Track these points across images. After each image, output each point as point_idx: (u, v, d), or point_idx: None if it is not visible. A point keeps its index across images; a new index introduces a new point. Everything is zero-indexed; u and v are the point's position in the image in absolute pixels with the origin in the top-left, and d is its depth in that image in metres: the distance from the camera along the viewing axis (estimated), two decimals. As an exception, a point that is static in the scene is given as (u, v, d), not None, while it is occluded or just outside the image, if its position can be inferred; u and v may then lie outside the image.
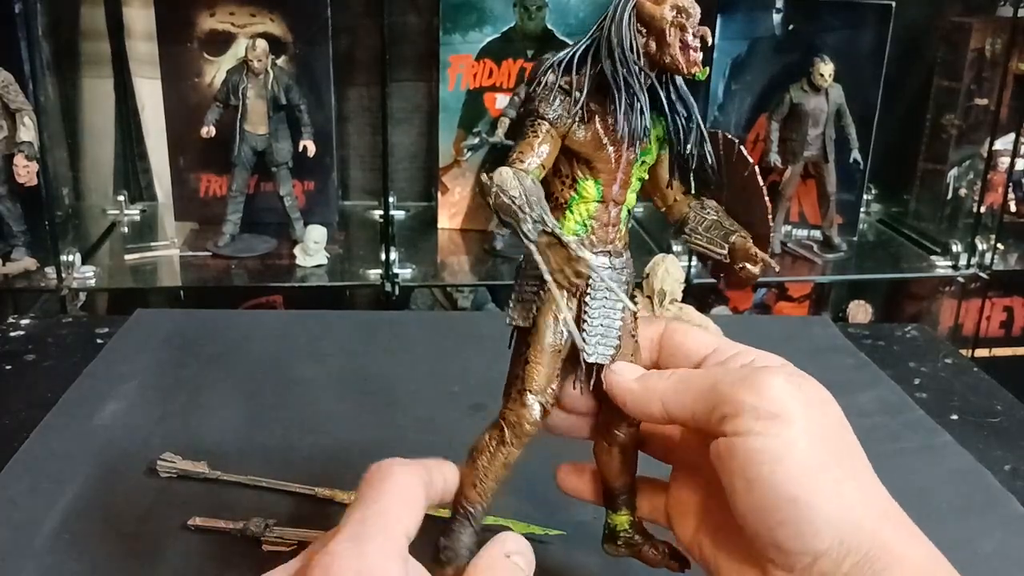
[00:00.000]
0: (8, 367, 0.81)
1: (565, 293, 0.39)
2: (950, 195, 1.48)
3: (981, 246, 1.38)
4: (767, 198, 0.43)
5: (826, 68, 1.28)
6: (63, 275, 1.17)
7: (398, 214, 1.41)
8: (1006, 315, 1.55)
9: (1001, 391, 0.82)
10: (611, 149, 0.40)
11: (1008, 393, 0.81)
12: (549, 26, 1.30)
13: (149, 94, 1.34)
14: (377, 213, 1.42)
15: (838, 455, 0.36)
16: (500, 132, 1.27)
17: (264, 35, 1.26)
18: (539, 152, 0.39)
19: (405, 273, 1.25)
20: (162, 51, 1.28)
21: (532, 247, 0.37)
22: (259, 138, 1.23)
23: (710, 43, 0.39)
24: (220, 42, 1.28)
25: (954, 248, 1.39)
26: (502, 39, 1.31)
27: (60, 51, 1.27)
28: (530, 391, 0.41)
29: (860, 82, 1.34)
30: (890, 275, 1.41)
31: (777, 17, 1.35)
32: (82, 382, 0.76)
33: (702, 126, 0.42)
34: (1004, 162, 1.41)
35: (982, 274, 1.38)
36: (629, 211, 0.43)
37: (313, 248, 1.24)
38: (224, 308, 1.07)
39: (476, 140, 1.32)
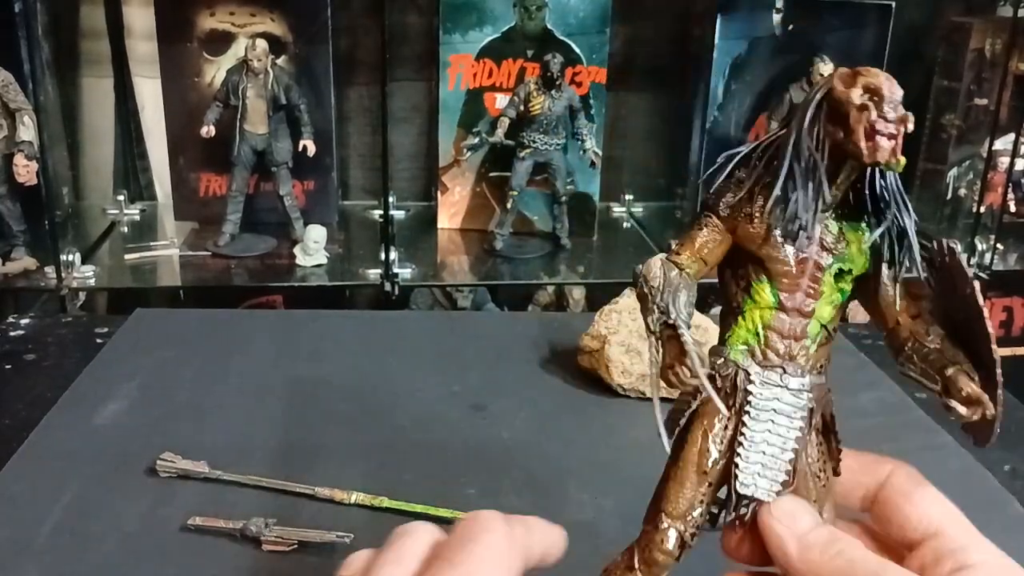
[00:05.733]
0: (8, 367, 0.81)
1: (661, 391, 0.35)
2: (950, 195, 1.48)
3: (981, 246, 1.38)
4: (988, 322, 0.37)
5: (826, 68, 1.28)
6: (63, 275, 1.17)
7: (398, 214, 1.41)
8: (1006, 315, 1.55)
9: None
10: (789, 249, 0.35)
11: (1008, 393, 0.81)
12: (549, 26, 1.29)
13: (149, 94, 1.34)
14: (377, 213, 1.42)
15: None
16: (500, 132, 1.27)
17: (264, 35, 1.26)
18: (699, 245, 0.36)
19: (405, 273, 1.25)
20: (162, 51, 1.27)
21: (651, 338, 0.35)
22: (259, 138, 1.23)
23: (910, 129, 0.34)
24: (220, 42, 1.28)
25: (954, 248, 1.39)
26: (502, 39, 1.31)
27: (60, 51, 1.27)
28: (665, 513, 0.37)
29: (860, 82, 1.34)
30: (890, 275, 1.41)
31: (777, 17, 1.35)
32: (82, 382, 0.76)
33: (911, 231, 0.35)
34: (1004, 162, 1.41)
35: (982, 274, 1.38)
36: (825, 327, 0.37)
37: (313, 248, 1.24)
38: (224, 308, 1.07)
39: (476, 140, 1.32)
